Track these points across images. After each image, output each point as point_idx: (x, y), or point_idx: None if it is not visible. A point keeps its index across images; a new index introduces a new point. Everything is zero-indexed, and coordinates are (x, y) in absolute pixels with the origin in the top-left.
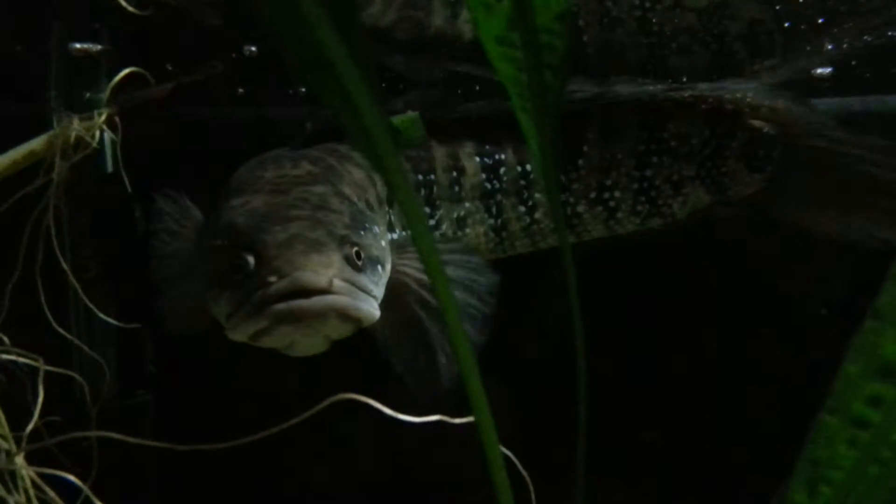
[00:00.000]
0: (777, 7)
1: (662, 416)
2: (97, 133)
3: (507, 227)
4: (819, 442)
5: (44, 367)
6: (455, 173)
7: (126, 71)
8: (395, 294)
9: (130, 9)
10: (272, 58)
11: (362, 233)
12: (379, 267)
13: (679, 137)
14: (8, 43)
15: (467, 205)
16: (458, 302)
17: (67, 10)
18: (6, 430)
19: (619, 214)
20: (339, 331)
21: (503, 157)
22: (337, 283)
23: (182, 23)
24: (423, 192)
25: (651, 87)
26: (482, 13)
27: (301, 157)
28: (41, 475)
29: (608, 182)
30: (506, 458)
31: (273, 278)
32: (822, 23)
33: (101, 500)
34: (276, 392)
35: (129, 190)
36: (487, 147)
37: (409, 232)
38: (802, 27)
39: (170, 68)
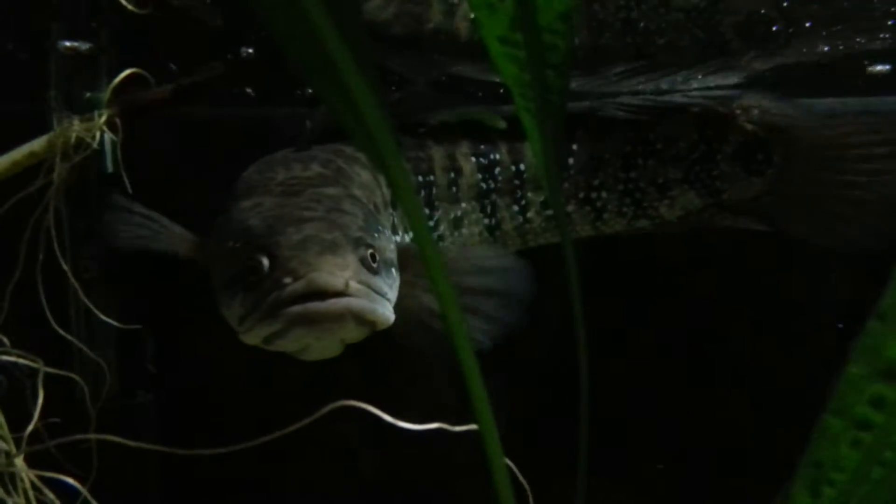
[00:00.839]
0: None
1: (663, 419)
2: (97, 134)
3: (500, 226)
4: (822, 443)
5: (43, 368)
6: (453, 174)
7: (127, 72)
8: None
9: (130, 7)
10: (270, 59)
11: (376, 235)
12: (393, 269)
13: (666, 140)
14: (7, 43)
15: (464, 205)
16: (466, 306)
17: (66, 9)
18: (6, 432)
19: (606, 215)
20: (354, 334)
21: (498, 156)
22: (353, 284)
23: (182, 23)
24: (423, 193)
25: (642, 83)
26: (485, 13)
27: (310, 159)
28: (40, 477)
29: (596, 182)
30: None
31: (288, 280)
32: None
33: (100, 501)
34: (277, 392)
35: (130, 191)
36: (482, 147)
37: (411, 234)
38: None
39: (174, 67)
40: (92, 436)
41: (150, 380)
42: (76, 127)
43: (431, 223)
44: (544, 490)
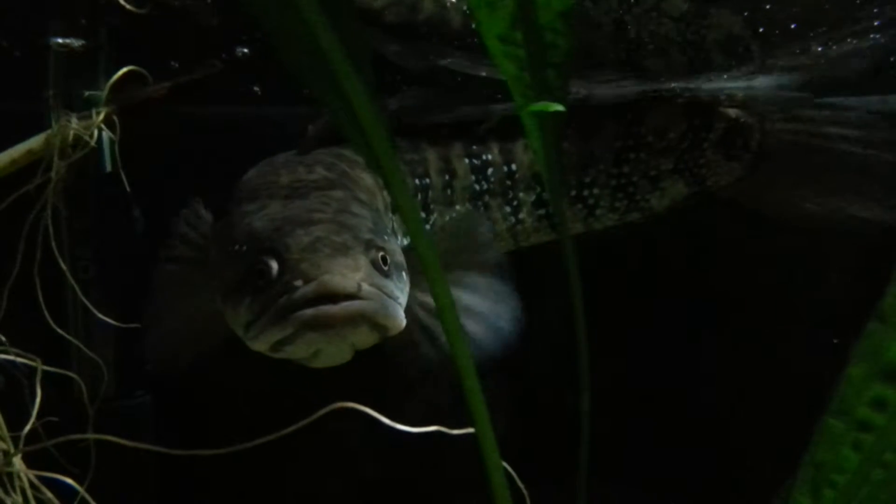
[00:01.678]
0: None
1: (661, 418)
2: (95, 132)
3: (493, 228)
4: (823, 445)
5: (42, 367)
6: (448, 176)
7: (125, 69)
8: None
9: (129, 7)
10: (265, 59)
11: (385, 237)
12: (403, 273)
13: (656, 132)
14: (4, 41)
15: (458, 207)
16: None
17: (63, 7)
18: (4, 431)
19: (598, 211)
20: (366, 339)
21: (490, 157)
22: (365, 287)
23: (179, 22)
24: (419, 196)
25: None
26: (485, 12)
27: (314, 162)
28: (39, 476)
29: (587, 179)
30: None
31: (298, 282)
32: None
33: (98, 500)
34: (275, 393)
35: (128, 189)
36: (475, 147)
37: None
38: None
39: (175, 64)
40: (90, 436)
41: (148, 381)
42: (74, 125)
43: (428, 226)
44: (542, 493)
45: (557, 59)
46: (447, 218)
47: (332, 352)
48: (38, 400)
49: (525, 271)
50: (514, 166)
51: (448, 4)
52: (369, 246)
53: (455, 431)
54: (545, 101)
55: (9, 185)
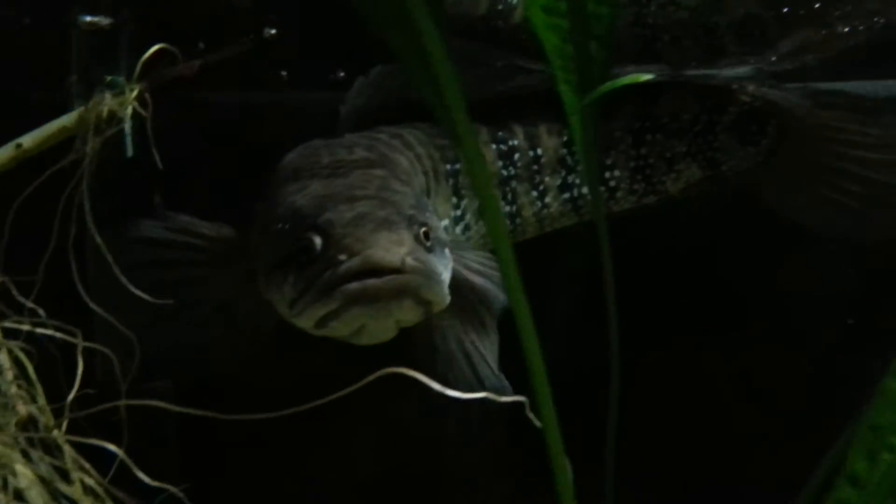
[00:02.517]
0: None
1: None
2: (129, 108)
3: (520, 213)
4: (881, 408)
5: (81, 342)
6: None
7: (156, 47)
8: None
9: None
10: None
11: (428, 214)
12: (446, 250)
13: (670, 114)
14: (25, 26)
15: None
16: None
17: None
18: (44, 402)
19: (619, 194)
20: (410, 315)
21: (516, 142)
22: (410, 261)
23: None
24: (450, 182)
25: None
26: None
27: (353, 144)
28: (76, 447)
29: (609, 161)
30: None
31: (343, 257)
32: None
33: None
34: (298, 379)
35: (161, 167)
36: (500, 133)
37: (445, 223)
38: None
39: (202, 45)
40: (130, 402)
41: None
42: (108, 101)
43: (458, 212)
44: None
45: (600, 30)
46: (476, 204)
47: (377, 328)
48: (79, 370)
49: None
50: (539, 151)
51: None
52: (412, 221)
53: (504, 399)
54: (586, 74)
55: (43, 163)
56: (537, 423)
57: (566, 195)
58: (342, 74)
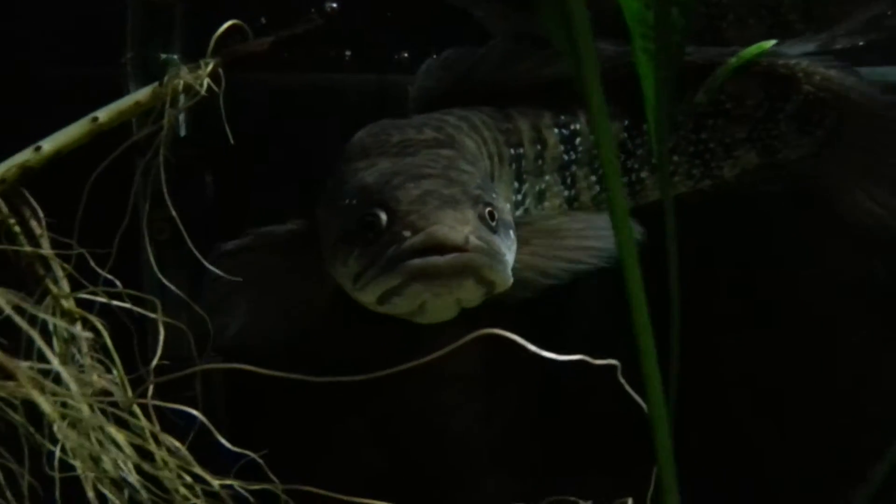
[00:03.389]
0: None
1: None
2: (205, 82)
3: (578, 197)
4: None
5: (161, 317)
6: (539, 146)
7: (228, 23)
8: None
9: None
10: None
11: (494, 195)
12: (511, 232)
13: (734, 99)
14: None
15: (547, 178)
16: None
17: None
18: (121, 373)
19: (676, 178)
20: (471, 294)
21: (578, 126)
22: (473, 240)
23: None
24: (513, 166)
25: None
26: None
27: (422, 124)
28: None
29: (669, 145)
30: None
31: (407, 233)
32: None
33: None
34: (343, 358)
35: (231, 141)
36: (563, 117)
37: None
38: None
39: (264, 21)
40: (212, 365)
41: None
42: (184, 75)
43: (519, 197)
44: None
45: None
46: (537, 188)
47: (438, 306)
48: (161, 338)
49: None
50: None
51: None
52: (478, 201)
53: (599, 362)
54: (666, 42)
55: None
56: (632, 393)
57: (624, 179)
58: (405, 55)
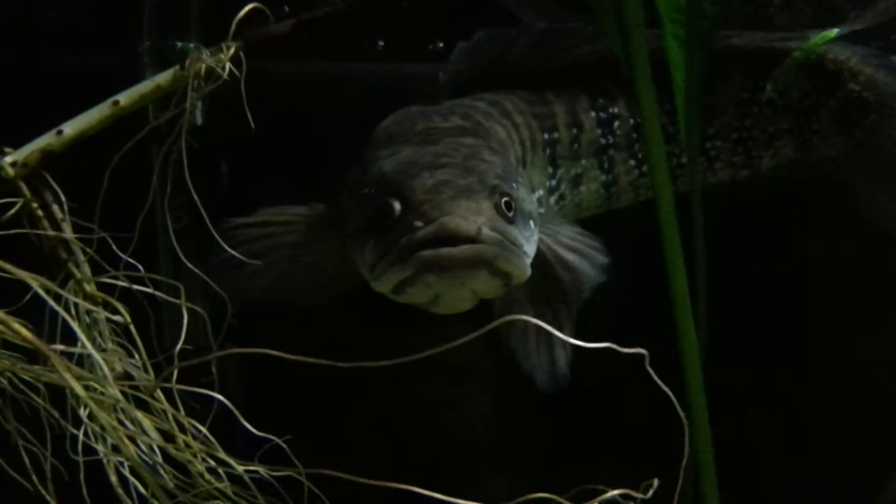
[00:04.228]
0: None
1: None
2: (227, 66)
3: (616, 182)
4: None
5: (184, 302)
6: (575, 130)
7: (249, 7)
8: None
9: None
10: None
11: (514, 185)
12: (531, 222)
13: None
14: None
15: (583, 162)
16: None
17: None
18: (144, 357)
19: (718, 165)
20: (486, 286)
21: (616, 110)
22: (486, 231)
23: None
24: (547, 151)
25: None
26: None
27: (449, 112)
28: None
29: (711, 131)
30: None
31: (419, 223)
32: None
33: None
34: (356, 349)
35: (252, 127)
36: (601, 101)
37: (539, 193)
38: None
39: (286, 9)
40: (237, 350)
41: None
42: (206, 58)
43: (553, 182)
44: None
45: None
46: (572, 173)
47: (453, 297)
48: (184, 321)
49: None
50: (639, 119)
51: None
52: (494, 191)
53: (625, 350)
54: (697, 28)
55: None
56: (663, 385)
57: None
58: (441, 45)
